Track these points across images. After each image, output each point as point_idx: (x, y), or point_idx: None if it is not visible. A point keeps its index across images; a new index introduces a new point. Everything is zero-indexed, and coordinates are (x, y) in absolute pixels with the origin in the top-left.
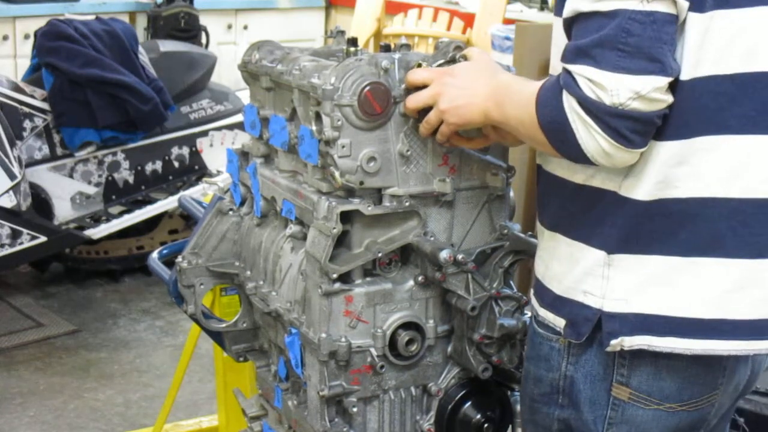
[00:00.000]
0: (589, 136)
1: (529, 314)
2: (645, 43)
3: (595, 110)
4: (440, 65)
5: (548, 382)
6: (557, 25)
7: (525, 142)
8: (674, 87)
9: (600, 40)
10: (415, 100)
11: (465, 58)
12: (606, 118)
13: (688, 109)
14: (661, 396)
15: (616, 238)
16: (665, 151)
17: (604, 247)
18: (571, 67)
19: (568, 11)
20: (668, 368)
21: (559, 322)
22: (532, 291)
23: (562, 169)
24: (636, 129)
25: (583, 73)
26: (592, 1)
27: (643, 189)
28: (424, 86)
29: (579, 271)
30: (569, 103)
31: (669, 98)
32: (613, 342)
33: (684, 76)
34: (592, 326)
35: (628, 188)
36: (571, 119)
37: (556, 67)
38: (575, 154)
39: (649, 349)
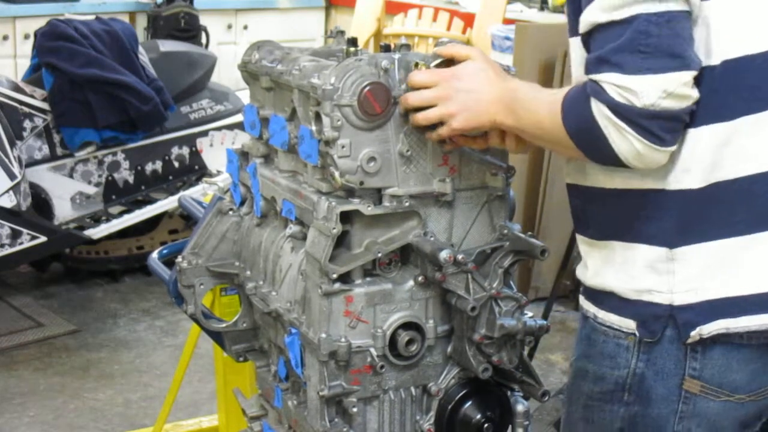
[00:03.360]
0: (623, 139)
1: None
2: (664, 42)
3: (627, 114)
4: (438, 65)
5: (613, 380)
6: (574, 46)
7: (544, 146)
8: (703, 75)
9: (620, 47)
10: (418, 98)
11: (457, 57)
12: (639, 120)
13: (726, 91)
14: (731, 387)
15: (674, 231)
16: (709, 134)
17: (664, 244)
18: (596, 77)
19: (584, 26)
20: (738, 360)
21: (628, 324)
22: (582, 294)
23: (598, 180)
24: (668, 127)
25: (609, 80)
26: (607, 11)
27: (692, 177)
28: (425, 87)
29: (640, 271)
30: (599, 109)
31: (695, 93)
32: (692, 333)
33: (714, 60)
34: (665, 323)
35: (676, 180)
36: (602, 125)
37: (579, 80)
38: (606, 157)
39: (727, 332)
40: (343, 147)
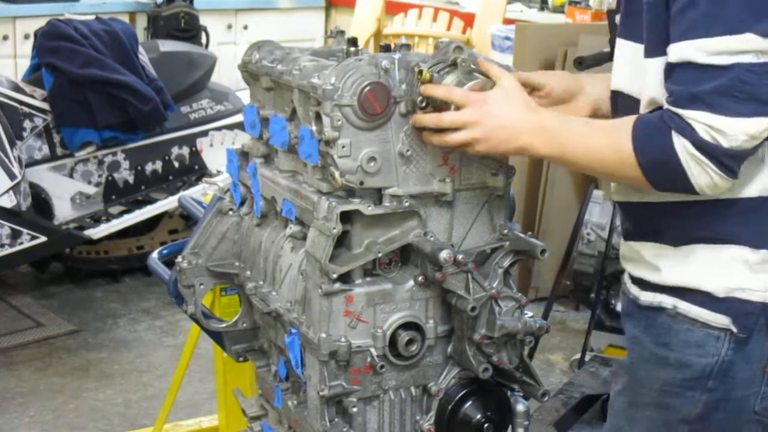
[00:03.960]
0: (703, 173)
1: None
2: (759, 90)
3: (712, 152)
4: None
5: (700, 367)
6: (653, 68)
7: (592, 174)
8: None
9: (717, 89)
10: (450, 121)
11: (486, 75)
12: (722, 158)
13: None
14: None
15: (765, 233)
16: None
17: (758, 246)
18: (685, 113)
19: (675, 57)
20: None
21: (719, 319)
22: (644, 289)
23: (676, 195)
24: (742, 162)
25: (700, 119)
26: (708, 54)
27: None
28: (441, 100)
29: (733, 271)
30: (682, 145)
31: None
32: None
33: None
34: (757, 318)
35: (760, 189)
36: (683, 159)
37: (645, 94)
38: (678, 188)
39: None
40: (343, 147)
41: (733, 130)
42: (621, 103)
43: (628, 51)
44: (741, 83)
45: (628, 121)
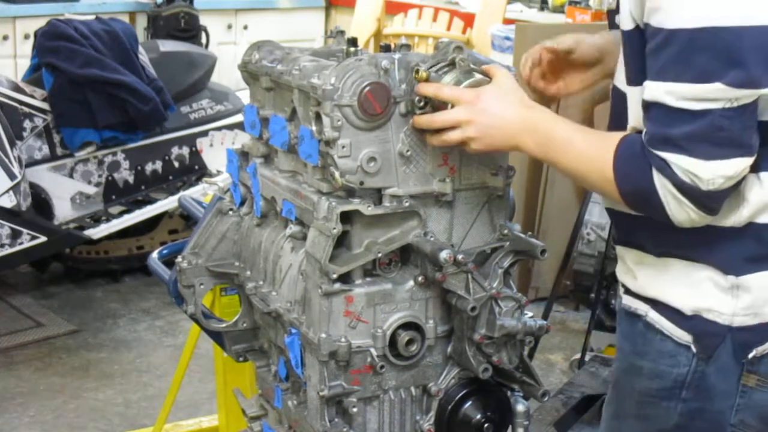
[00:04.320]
0: (681, 210)
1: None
2: (735, 134)
3: (691, 192)
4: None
5: (672, 377)
6: (633, 96)
7: (575, 181)
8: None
9: (691, 135)
10: (442, 121)
11: (485, 74)
12: (702, 199)
13: None
14: None
15: (742, 260)
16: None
17: (731, 271)
18: (663, 155)
19: (649, 96)
20: None
21: (683, 336)
22: (627, 294)
23: None
24: (722, 201)
25: (677, 162)
26: (679, 99)
27: (764, 214)
28: (436, 98)
29: (702, 291)
30: (662, 182)
31: (748, 169)
32: (750, 356)
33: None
34: (720, 340)
35: (743, 217)
36: (662, 194)
37: (628, 121)
38: (658, 217)
39: None
40: (343, 147)
41: (709, 174)
42: (617, 98)
43: (634, 96)
44: (716, 129)
45: (614, 140)
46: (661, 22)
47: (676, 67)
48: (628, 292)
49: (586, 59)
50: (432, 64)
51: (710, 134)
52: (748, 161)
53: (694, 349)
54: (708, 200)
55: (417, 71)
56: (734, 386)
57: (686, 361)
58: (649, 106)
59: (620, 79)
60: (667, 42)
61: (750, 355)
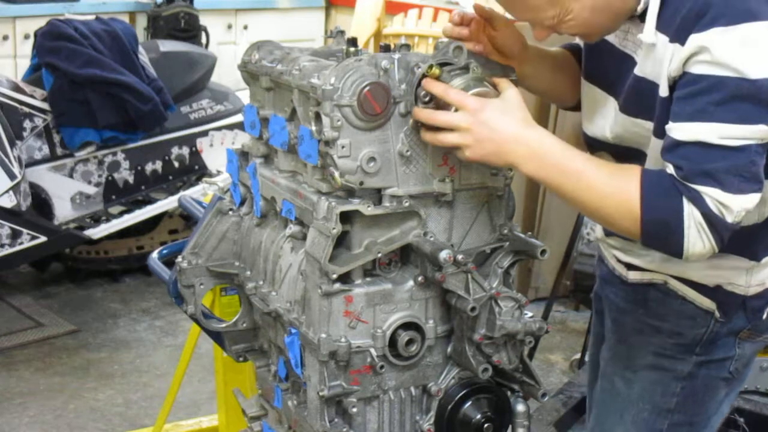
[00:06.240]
0: (700, 240)
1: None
2: (759, 170)
3: (717, 225)
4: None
5: (691, 336)
6: (657, 144)
7: (572, 206)
8: None
9: (729, 170)
10: (442, 121)
11: (495, 86)
12: (722, 231)
13: None
14: (763, 328)
15: (763, 247)
16: None
17: (753, 258)
18: (698, 187)
19: (685, 136)
20: None
21: (707, 303)
22: (649, 269)
23: None
24: (730, 234)
25: (711, 194)
26: (721, 137)
27: None
28: (442, 98)
29: (724, 269)
30: (691, 212)
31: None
32: (764, 317)
33: None
34: (738, 307)
35: (765, 215)
36: (686, 224)
37: (653, 159)
38: (667, 248)
39: None
40: (343, 147)
41: (738, 206)
42: (597, 145)
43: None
44: (750, 164)
45: (635, 170)
46: (706, 71)
47: (722, 110)
48: (635, 268)
49: (506, 46)
50: (442, 62)
51: (744, 168)
52: (759, 196)
53: (717, 314)
54: (726, 232)
55: (431, 66)
56: (734, 339)
57: (704, 322)
58: (681, 145)
59: (596, 126)
60: (712, 88)
61: (764, 317)
